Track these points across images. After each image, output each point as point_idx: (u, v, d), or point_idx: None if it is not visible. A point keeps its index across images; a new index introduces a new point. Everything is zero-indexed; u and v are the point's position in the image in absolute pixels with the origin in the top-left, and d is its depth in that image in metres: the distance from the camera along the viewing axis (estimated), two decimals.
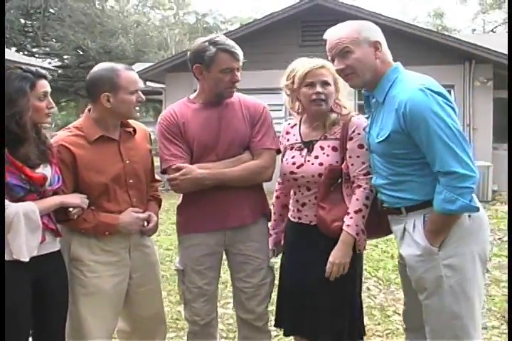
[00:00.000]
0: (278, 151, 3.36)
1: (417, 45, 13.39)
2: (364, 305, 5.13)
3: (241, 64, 3.23)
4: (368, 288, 5.91)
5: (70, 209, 2.99)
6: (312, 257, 3.16)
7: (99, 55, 29.14)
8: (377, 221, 3.08)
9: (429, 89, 2.65)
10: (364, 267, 6.51)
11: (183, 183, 3.16)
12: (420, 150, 2.71)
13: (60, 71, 35.23)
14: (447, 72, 12.98)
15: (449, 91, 13.03)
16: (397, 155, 2.80)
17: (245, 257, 3.36)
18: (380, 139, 2.82)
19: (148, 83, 16.86)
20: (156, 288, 3.45)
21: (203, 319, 3.38)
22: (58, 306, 3.05)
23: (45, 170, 2.89)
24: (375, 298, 5.65)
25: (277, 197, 3.57)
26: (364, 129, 3.10)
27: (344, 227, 3.03)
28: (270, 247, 3.51)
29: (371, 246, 7.56)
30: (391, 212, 2.97)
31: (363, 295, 5.40)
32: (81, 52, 31.35)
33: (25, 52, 33.56)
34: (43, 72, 2.91)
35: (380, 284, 6.12)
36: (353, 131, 3.13)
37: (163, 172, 3.28)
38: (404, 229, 2.88)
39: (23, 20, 31.40)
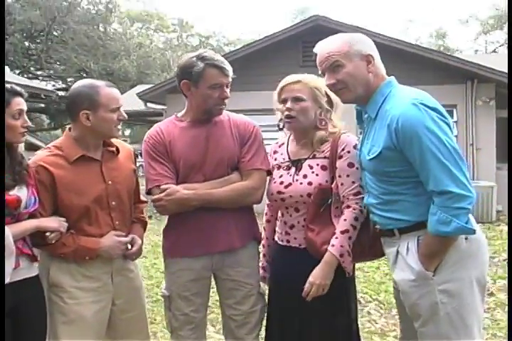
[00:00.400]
0: (269, 172, 3.22)
1: (418, 65, 13.32)
2: (364, 330, 5.06)
3: (230, 80, 3.11)
4: (369, 312, 5.76)
5: (48, 234, 2.86)
6: (302, 284, 2.97)
7: (102, 76, 29.22)
8: (370, 243, 2.94)
9: (422, 104, 2.52)
10: (365, 290, 6.46)
11: (168, 204, 3.04)
12: (413, 168, 2.57)
13: (63, 93, 35.56)
14: (449, 91, 12.91)
15: (452, 111, 13.09)
16: (390, 173, 2.66)
17: (235, 283, 3.21)
18: (372, 156, 2.69)
19: (149, 104, 16.84)
20: (141, 314, 3.29)
21: None
22: (35, 335, 2.90)
23: (20, 192, 2.76)
24: (376, 322, 5.47)
25: (268, 221, 3.42)
26: (355, 147, 2.97)
27: (329, 248, 2.89)
28: (262, 274, 3.36)
29: (373, 268, 7.43)
30: (384, 234, 2.83)
31: (363, 319, 5.34)
32: (84, 74, 31.46)
33: (30, 75, 33.79)
34: (19, 89, 2.78)
35: (381, 308, 5.94)
36: (343, 149, 3.00)
37: (148, 192, 3.16)
38: (398, 252, 2.74)
39: (26, 43, 31.62)
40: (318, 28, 13.51)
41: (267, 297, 3.28)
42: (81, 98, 2.93)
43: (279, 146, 3.29)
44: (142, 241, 3.23)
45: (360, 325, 5.20)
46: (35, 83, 31.38)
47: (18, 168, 2.81)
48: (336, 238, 2.89)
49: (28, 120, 2.80)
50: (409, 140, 2.51)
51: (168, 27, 46.64)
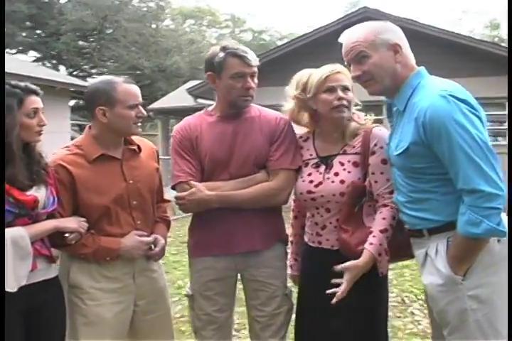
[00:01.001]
0: (298, 171, 3.07)
1: (472, 56, 12.95)
2: (406, 332, 4.91)
3: (255, 70, 3.01)
4: (412, 313, 5.56)
5: (67, 235, 2.80)
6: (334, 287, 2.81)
7: (154, 73, 29.61)
8: (407, 242, 2.76)
9: (451, 95, 2.35)
10: (410, 289, 6.27)
11: (188, 204, 2.98)
12: (443, 165, 2.40)
13: None
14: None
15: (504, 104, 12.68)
16: (418, 169, 2.50)
17: (259, 284, 3.11)
18: (399, 151, 2.53)
19: (199, 100, 16.83)
20: (166, 314, 3.22)
21: None
22: (54, 337, 2.86)
23: (38, 192, 2.71)
24: (419, 323, 5.26)
25: (295, 218, 3.28)
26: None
27: (366, 245, 2.73)
28: (295, 273, 3.25)
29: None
30: (413, 234, 2.67)
31: (405, 320, 5.17)
32: (136, 71, 31.86)
33: (84, 73, 34.44)
34: (33, 87, 2.73)
35: (425, 308, 5.70)
36: (375, 145, 2.84)
37: (173, 188, 3.10)
38: (426, 254, 2.57)
39: (80, 42, 32.18)
40: (367, 21, 13.27)
41: (297, 296, 3.15)
42: (98, 94, 2.87)
43: (304, 141, 3.12)
44: (166, 241, 3.16)
45: (402, 326, 5.13)
46: (90, 81, 31.97)
47: (36, 168, 2.77)
48: (374, 236, 2.73)
49: (44, 119, 2.74)
50: (437, 134, 2.35)
51: (220, 23, 46.85)
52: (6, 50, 29.99)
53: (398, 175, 2.63)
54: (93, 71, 35.40)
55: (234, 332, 3.55)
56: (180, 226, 9.02)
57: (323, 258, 2.96)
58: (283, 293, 3.15)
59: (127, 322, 3.04)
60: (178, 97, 19.93)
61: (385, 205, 2.79)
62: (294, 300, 3.21)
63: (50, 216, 2.80)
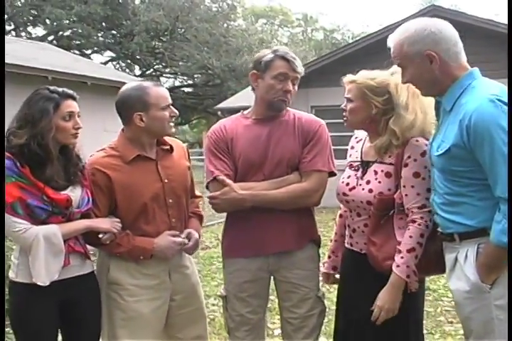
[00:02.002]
0: (331, 174, 3.11)
1: None
2: (457, 337, 4.84)
3: (298, 76, 3.07)
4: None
5: (100, 235, 2.91)
6: (359, 292, 2.85)
7: (224, 73, 29.85)
8: (437, 258, 2.70)
9: (500, 100, 2.27)
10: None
11: (222, 203, 3.04)
12: (483, 170, 2.34)
13: (189, 89, 36.60)
14: None
15: None
16: (457, 172, 2.44)
17: (291, 285, 3.13)
18: (440, 152, 2.48)
19: None
20: (200, 309, 3.30)
21: None
22: (89, 329, 3.00)
23: (73, 192, 2.84)
24: None
25: (340, 216, 3.27)
26: (423, 154, 2.74)
27: (394, 268, 2.68)
28: (326, 271, 3.28)
29: None
30: (444, 239, 2.61)
31: (457, 325, 4.99)
32: (208, 71, 32.20)
33: (157, 73, 35.04)
34: (70, 92, 2.88)
35: None
36: (409, 157, 2.77)
37: (207, 187, 3.17)
38: (456, 259, 2.52)
39: (152, 43, 32.73)
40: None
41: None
42: (132, 101, 2.96)
43: (357, 142, 3.13)
44: (199, 235, 3.24)
45: (453, 331, 5.01)
46: (162, 81, 32.57)
47: (74, 169, 2.89)
48: (402, 257, 2.68)
49: (79, 122, 2.86)
50: (480, 139, 2.29)
51: (292, 22, 46.81)
52: (82, 51, 30.85)
53: (437, 175, 2.58)
54: (165, 70, 36.03)
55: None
56: None
57: (354, 260, 2.99)
58: (315, 295, 3.17)
59: (164, 318, 3.14)
60: (245, 97, 20.15)
61: (413, 221, 2.73)
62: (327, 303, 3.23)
63: (86, 215, 2.92)
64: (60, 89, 2.85)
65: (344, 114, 2.95)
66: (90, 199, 2.91)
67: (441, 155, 2.47)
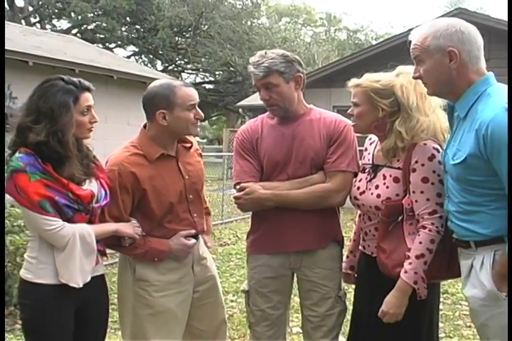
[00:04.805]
0: (356, 174, 3.10)
1: None
2: None
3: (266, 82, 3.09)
4: None
5: (126, 238, 2.94)
6: (373, 293, 2.86)
7: (247, 70, 29.77)
8: (447, 264, 2.71)
9: None
10: None
11: (246, 203, 3.09)
12: (499, 180, 2.31)
13: (210, 86, 36.62)
14: None
15: None
16: (473, 182, 2.42)
17: (312, 284, 3.17)
18: (456, 161, 2.45)
19: None
20: (218, 300, 3.36)
21: None
22: (96, 334, 2.95)
23: (91, 186, 2.77)
24: None
25: (359, 216, 3.23)
26: (431, 158, 2.71)
27: (401, 274, 2.67)
28: (344, 271, 3.28)
29: None
30: (460, 245, 2.60)
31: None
32: (230, 68, 32.21)
33: (179, 69, 35.09)
34: (87, 83, 2.75)
35: None
36: (416, 162, 2.73)
37: (234, 187, 3.22)
38: (472, 265, 2.51)
39: (176, 38, 32.79)
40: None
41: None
42: (158, 98, 2.96)
43: (370, 144, 3.11)
44: (210, 230, 3.50)
45: (471, 335, 4.97)
46: (184, 76, 32.57)
47: (86, 161, 2.82)
48: (410, 263, 2.66)
49: (95, 115, 2.77)
50: (497, 149, 2.26)
51: (315, 21, 46.68)
52: (106, 44, 30.95)
53: (451, 183, 2.56)
54: (188, 66, 36.07)
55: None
56: None
57: (366, 262, 3.02)
58: (336, 294, 3.18)
59: (188, 310, 3.18)
60: None
61: (423, 227, 2.70)
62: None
63: (102, 210, 2.86)
64: (76, 80, 2.71)
65: (352, 119, 2.95)
66: (107, 193, 2.84)
67: (458, 164, 2.44)
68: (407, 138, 2.76)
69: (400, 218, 2.77)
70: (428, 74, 2.51)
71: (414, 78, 2.61)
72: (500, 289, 2.36)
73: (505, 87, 2.45)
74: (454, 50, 2.44)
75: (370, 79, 2.86)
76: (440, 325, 3.17)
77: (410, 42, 2.58)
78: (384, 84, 2.81)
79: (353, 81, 2.91)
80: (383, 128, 2.87)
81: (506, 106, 2.26)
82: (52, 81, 2.68)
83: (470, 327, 5.23)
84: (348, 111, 2.96)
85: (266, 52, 3.10)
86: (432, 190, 2.70)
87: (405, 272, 2.66)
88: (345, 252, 3.37)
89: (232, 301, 5.97)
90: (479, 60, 2.51)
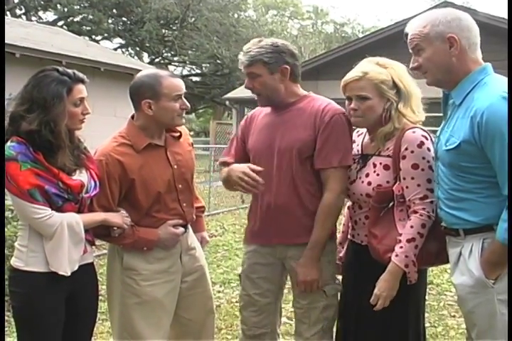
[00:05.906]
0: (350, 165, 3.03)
1: None
2: (459, 331, 4.86)
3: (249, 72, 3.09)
4: None
5: (115, 230, 2.95)
6: (361, 282, 2.89)
7: (233, 63, 29.75)
8: (438, 249, 2.73)
9: None
10: None
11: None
12: (492, 167, 2.34)
13: (197, 79, 36.53)
14: None
15: None
16: (465, 168, 2.43)
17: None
18: (448, 147, 2.47)
19: None
20: (206, 291, 3.37)
21: (250, 330, 3.23)
22: (85, 322, 2.97)
23: (81, 176, 2.78)
24: None
25: (348, 208, 3.24)
26: (420, 145, 2.74)
27: (392, 257, 2.70)
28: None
29: None
30: (448, 233, 2.62)
31: (460, 319, 5.00)
32: (217, 61, 32.17)
33: (165, 61, 34.98)
34: (81, 75, 2.77)
35: None
36: (406, 149, 2.76)
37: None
38: (460, 253, 2.53)
39: (162, 31, 32.67)
40: None
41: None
42: (144, 88, 2.96)
43: (358, 136, 3.12)
44: (203, 228, 3.59)
45: (455, 325, 5.02)
46: (171, 69, 32.46)
47: (77, 152, 2.83)
48: (401, 247, 2.69)
49: (88, 107, 2.79)
50: (491, 137, 2.29)
51: (302, 14, 46.53)
52: (92, 37, 30.76)
53: (442, 170, 2.57)
54: (174, 59, 35.94)
55: None
56: None
57: (355, 251, 3.04)
58: (321, 288, 3.09)
59: (175, 300, 3.19)
60: None
61: (415, 212, 2.73)
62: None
63: (91, 200, 2.87)
64: (71, 72, 2.73)
65: (356, 113, 2.88)
66: (97, 183, 2.86)
67: (451, 150, 2.45)
68: (410, 118, 2.85)
69: (391, 204, 2.80)
70: (429, 62, 2.52)
71: (413, 69, 2.63)
72: (488, 276, 2.39)
73: (501, 78, 2.48)
74: (454, 36, 2.45)
75: (375, 70, 2.83)
76: (425, 315, 3.18)
77: (407, 35, 2.60)
78: (387, 75, 2.83)
79: (355, 74, 2.85)
80: (380, 118, 2.87)
81: (503, 94, 2.30)
82: (47, 71, 2.70)
83: (454, 317, 5.30)
84: (351, 105, 2.88)
85: (259, 41, 3.04)
86: (423, 176, 2.73)
87: (396, 255, 2.69)
88: None
89: (219, 292, 5.98)
90: (477, 47, 2.54)
